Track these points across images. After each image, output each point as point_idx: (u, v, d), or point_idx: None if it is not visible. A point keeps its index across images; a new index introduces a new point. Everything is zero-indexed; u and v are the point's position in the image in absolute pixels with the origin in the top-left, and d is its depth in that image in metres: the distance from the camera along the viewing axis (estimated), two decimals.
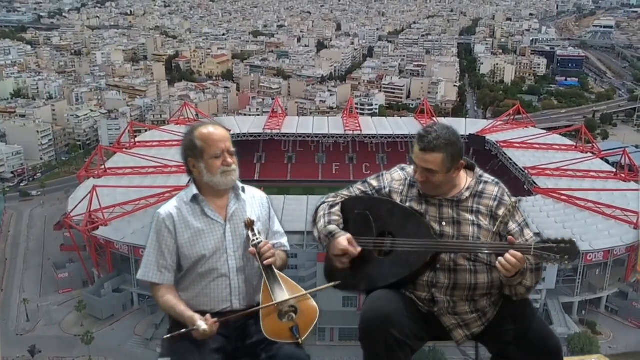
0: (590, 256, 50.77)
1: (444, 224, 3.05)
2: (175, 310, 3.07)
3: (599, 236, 51.55)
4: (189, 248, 3.15)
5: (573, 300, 52.62)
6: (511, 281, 2.94)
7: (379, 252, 3.11)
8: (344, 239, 3.05)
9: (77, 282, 57.02)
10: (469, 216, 3.05)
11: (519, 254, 2.84)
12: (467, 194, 3.08)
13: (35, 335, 50.96)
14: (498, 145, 74.35)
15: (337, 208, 3.21)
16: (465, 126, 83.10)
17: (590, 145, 74.22)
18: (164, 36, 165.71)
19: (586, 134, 74.45)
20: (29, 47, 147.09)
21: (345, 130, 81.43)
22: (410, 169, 3.20)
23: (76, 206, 53.85)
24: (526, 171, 65.45)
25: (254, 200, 3.33)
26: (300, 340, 2.96)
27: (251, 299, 3.22)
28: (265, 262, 3.08)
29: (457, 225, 3.04)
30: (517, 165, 68.16)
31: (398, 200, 3.16)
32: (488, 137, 77.33)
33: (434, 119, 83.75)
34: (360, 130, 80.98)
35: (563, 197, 58.22)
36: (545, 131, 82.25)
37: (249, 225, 3.16)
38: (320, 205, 3.28)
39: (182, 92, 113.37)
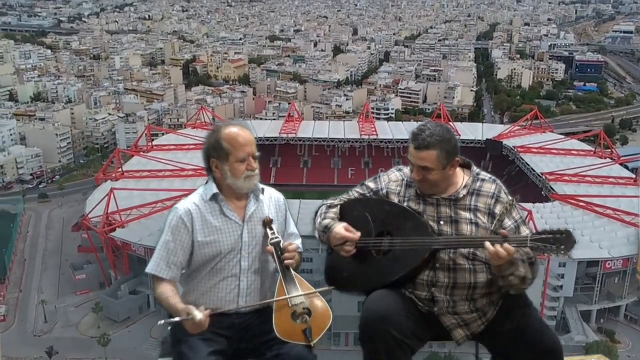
0: (609, 264, 50.19)
1: (441, 222, 3.06)
2: (169, 301, 3.01)
3: (617, 243, 50.91)
4: (205, 246, 3.13)
5: (591, 308, 52.00)
6: (502, 271, 2.92)
7: (377, 252, 3.12)
8: (340, 227, 3.07)
9: (94, 283, 57.59)
10: (466, 214, 3.05)
11: (509, 247, 2.83)
12: (464, 191, 3.09)
13: (52, 336, 51.53)
14: (515, 150, 73.84)
15: (335, 209, 3.24)
16: (482, 131, 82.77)
17: (609, 150, 73.36)
18: (182, 40, 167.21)
19: (605, 140, 73.58)
20: (48, 51, 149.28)
21: (361, 135, 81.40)
22: (407, 169, 3.21)
23: (94, 208, 54.44)
24: (544, 177, 64.86)
25: (270, 201, 3.33)
26: (312, 343, 2.94)
27: (259, 300, 3.21)
28: (285, 262, 3.07)
29: (454, 223, 3.05)
30: (534, 171, 67.57)
31: (395, 201, 3.17)
32: (505, 142, 76.85)
33: (451, 123, 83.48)
34: (376, 135, 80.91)
35: (581, 204, 57.58)
36: (563, 136, 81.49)
37: (268, 223, 3.16)
38: (319, 207, 3.30)
39: (199, 96, 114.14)
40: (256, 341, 3.12)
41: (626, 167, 69.81)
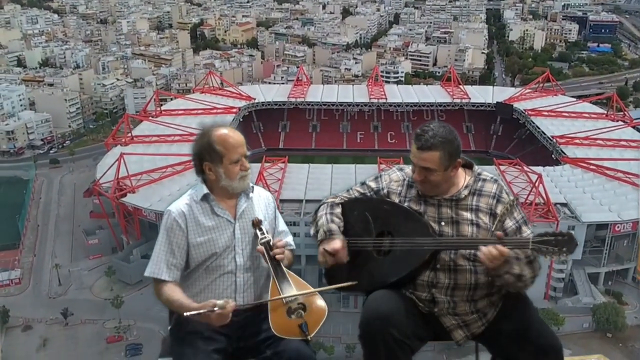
0: (618, 227, 50.11)
1: (442, 223, 3.06)
2: (182, 303, 3.03)
3: (627, 207, 50.72)
4: (200, 247, 3.18)
5: (599, 270, 52.13)
6: (497, 270, 2.94)
7: (378, 252, 3.12)
8: (339, 242, 3.10)
9: (107, 248, 58.38)
10: (468, 215, 3.05)
11: (503, 249, 2.84)
12: (465, 192, 3.09)
13: (67, 298, 52.58)
14: (526, 113, 73.13)
15: (339, 210, 3.24)
16: (492, 94, 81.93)
17: (622, 113, 72.51)
18: (189, 4, 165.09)
19: (618, 102, 72.69)
20: (55, 15, 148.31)
21: (370, 99, 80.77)
22: (408, 169, 3.20)
23: (104, 173, 54.81)
24: (554, 140, 64.38)
25: (260, 200, 3.37)
26: (309, 337, 2.98)
27: (255, 297, 3.26)
28: (276, 256, 3.11)
29: (455, 224, 3.05)
30: (545, 134, 67.06)
31: (397, 201, 3.17)
32: (516, 105, 76.06)
33: (461, 86, 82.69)
34: (386, 99, 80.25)
35: (592, 167, 57.26)
36: (575, 99, 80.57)
37: (257, 224, 3.21)
38: (321, 205, 3.31)
39: (207, 60, 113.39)
40: (255, 339, 3.16)
41: (638, 130, 69.00)
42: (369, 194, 3.27)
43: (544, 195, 49.39)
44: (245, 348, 3.19)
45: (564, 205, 50.92)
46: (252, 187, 3.34)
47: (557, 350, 3.00)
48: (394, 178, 3.25)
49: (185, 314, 2.93)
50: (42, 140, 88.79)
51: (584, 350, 42.73)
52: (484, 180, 3.13)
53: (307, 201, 49.98)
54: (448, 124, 3.05)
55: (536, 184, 49.79)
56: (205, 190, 3.23)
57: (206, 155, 3.17)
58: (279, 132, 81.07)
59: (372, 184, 3.29)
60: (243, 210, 3.27)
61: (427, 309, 3.11)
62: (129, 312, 49.10)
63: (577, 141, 63.55)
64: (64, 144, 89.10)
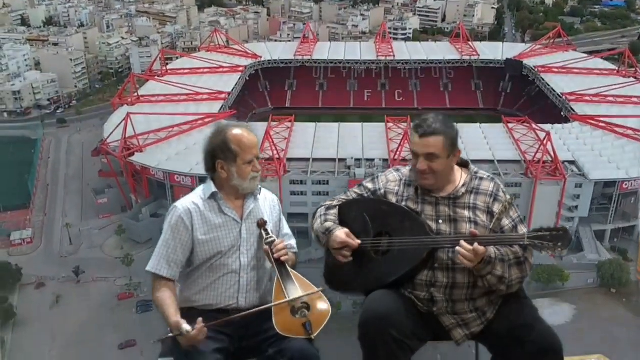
0: (626, 184, 50.01)
1: (440, 222, 3.08)
2: (164, 309, 3.06)
3: (636, 164, 50.41)
4: (206, 244, 3.21)
5: (605, 227, 52.27)
6: (479, 271, 2.96)
7: (376, 252, 3.14)
8: (341, 232, 3.11)
9: (116, 207, 58.93)
10: (465, 213, 3.07)
11: (479, 247, 2.86)
12: (463, 190, 3.11)
13: (78, 257, 53.42)
14: (536, 70, 72.19)
15: (334, 210, 3.26)
16: (502, 50, 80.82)
17: (634, 69, 71.33)
18: None
19: (630, 58, 71.45)
20: None
21: (377, 56, 79.84)
22: (405, 169, 3.24)
23: (112, 133, 54.87)
24: (564, 97, 63.67)
25: (265, 202, 3.41)
26: (312, 336, 2.99)
27: (258, 298, 3.30)
28: (279, 257, 3.15)
29: (453, 223, 3.07)
30: (554, 91, 66.32)
31: (394, 201, 3.19)
32: (525, 61, 75.03)
33: (470, 43, 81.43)
34: (393, 56, 79.29)
35: (601, 124, 56.75)
36: (586, 55, 79.26)
37: (262, 225, 3.26)
38: (318, 209, 3.34)
39: (212, 18, 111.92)
40: (257, 339, 3.19)
41: None
42: (366, 195, 3.30)
43: (552, 153, 49.18)
44: (248, 348, 3.23)
45: (572, 163, 50.73)
46: (260, 188, 3.39)
47: (556, 350, 3.00)
48: (390, 178, 3.29)
49: (152, 341, 3.00)
50: (48, 100, 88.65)
51: (588, 305, 43.44)
52: (481, 178, 3.17)
53: (314, 160, 49.98)
54: (444, 114, 3.10)
55: (544, 142, 49.51)
56: (214, 188, 3.27)
57: (220, 154, 3.20)
58: (285, 90, 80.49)
59: (369, 185, 3.32)
60: (250, 211, 3.32)
61: (426, 309, 3.13)
62: (139, 270, 49.56)
63: (587, 98, 62.82)
64: (71, 104, 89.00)
